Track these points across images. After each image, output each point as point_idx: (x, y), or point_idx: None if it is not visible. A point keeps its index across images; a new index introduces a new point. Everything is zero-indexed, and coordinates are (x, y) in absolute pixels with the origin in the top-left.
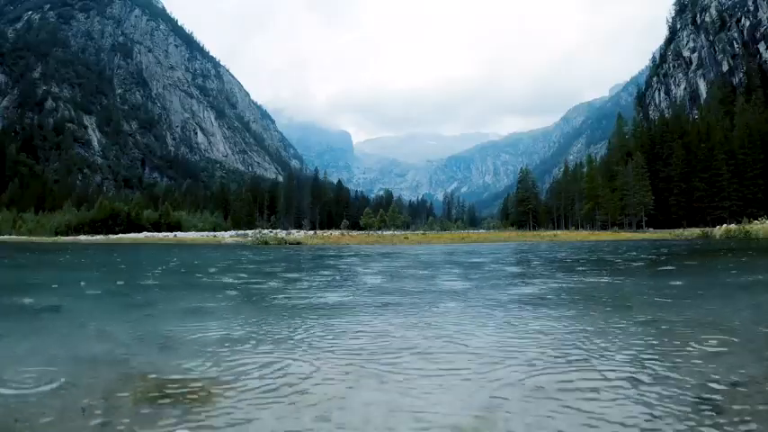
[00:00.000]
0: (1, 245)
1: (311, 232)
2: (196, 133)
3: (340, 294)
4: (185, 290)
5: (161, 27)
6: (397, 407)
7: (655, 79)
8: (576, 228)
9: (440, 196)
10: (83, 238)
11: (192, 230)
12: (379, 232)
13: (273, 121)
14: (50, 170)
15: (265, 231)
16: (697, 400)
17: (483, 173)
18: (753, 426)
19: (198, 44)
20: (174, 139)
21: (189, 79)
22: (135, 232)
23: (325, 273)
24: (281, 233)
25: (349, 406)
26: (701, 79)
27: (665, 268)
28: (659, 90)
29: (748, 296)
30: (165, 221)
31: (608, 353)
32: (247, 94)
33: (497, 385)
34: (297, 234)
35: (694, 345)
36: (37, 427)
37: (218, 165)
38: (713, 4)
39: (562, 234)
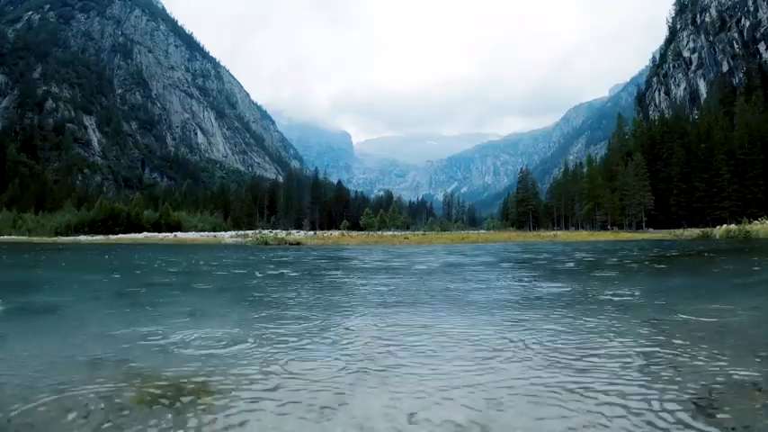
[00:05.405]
0: (1, 245)
1: (311, 233)
2: (196, 133)
3: (340, 296)
4: (185, 290)
5: (161, 27)
6: (397, 407)
7: (655, 79)
8: (576, 228)
9: (440, 196)
10: (83, 238)
11: (192, 231)
12: (380, 233)
13: (273, 122)
14: (50, 170)
15: (265, 232)
16: (697, 400)
17: (483, 173)
18: (752, 426)
19: (198, 44)
20: (173, 139)
21: (189, 79)
22: (135, 232)
23: (327, 273)
24: (281, 233)
25: (349, 407)
26: (701, 79)
27: (664, 268)
28: (659, 90)
29: (748, 296)
30: (164, 222)
31: (608, 353)
32: (247, 95)
33: (497, 385)
34: (297, 234)
35: (694, 345)
36: (37, 427)
37: (218, 165)
38: (713, 5)
39: (562, 234)
